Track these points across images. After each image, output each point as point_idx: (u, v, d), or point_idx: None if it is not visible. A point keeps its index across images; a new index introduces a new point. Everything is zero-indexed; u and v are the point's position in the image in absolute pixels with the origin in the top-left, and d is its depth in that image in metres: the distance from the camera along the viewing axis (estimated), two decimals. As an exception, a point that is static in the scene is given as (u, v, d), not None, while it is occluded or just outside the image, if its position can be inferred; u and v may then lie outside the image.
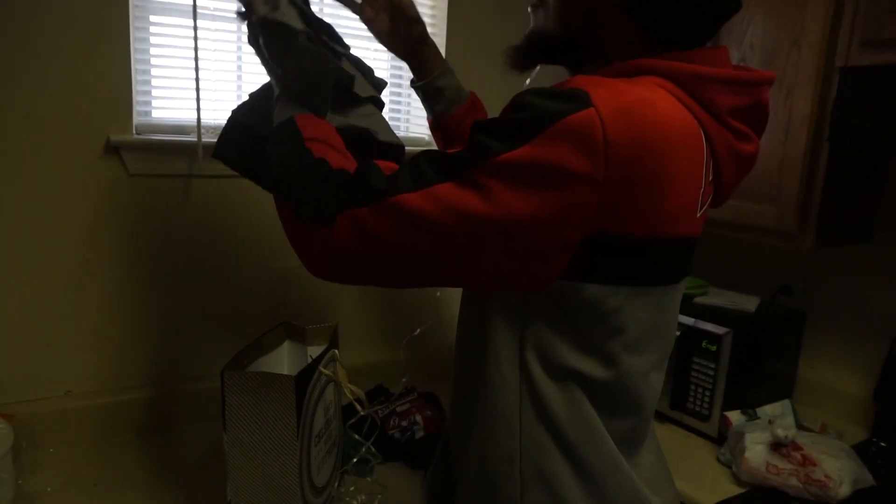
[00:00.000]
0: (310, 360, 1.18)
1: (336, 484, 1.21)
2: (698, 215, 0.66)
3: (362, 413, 1.09)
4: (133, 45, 1.26)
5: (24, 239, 1.22)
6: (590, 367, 0.65)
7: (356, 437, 1.31)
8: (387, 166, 0.64)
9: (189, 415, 1.39)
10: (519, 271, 0.61)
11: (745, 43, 1.39)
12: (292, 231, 0.67)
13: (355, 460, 1.26)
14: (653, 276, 0.65)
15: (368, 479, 1.26)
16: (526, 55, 0.75)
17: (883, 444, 1.40)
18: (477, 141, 0.59)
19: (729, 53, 0.69)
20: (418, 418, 1.40)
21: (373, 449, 1.30)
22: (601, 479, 0.67)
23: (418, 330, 1.42)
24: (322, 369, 1.09)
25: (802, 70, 1.29)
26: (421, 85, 1.04)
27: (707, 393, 1.42)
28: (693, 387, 1.44)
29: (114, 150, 1.26)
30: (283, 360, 1.28)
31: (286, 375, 0.99)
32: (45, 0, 1.16)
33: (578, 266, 0.60)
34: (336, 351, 1.16)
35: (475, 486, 0.71)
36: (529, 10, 0.75)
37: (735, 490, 1.23)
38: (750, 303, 1.53)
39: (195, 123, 1.29)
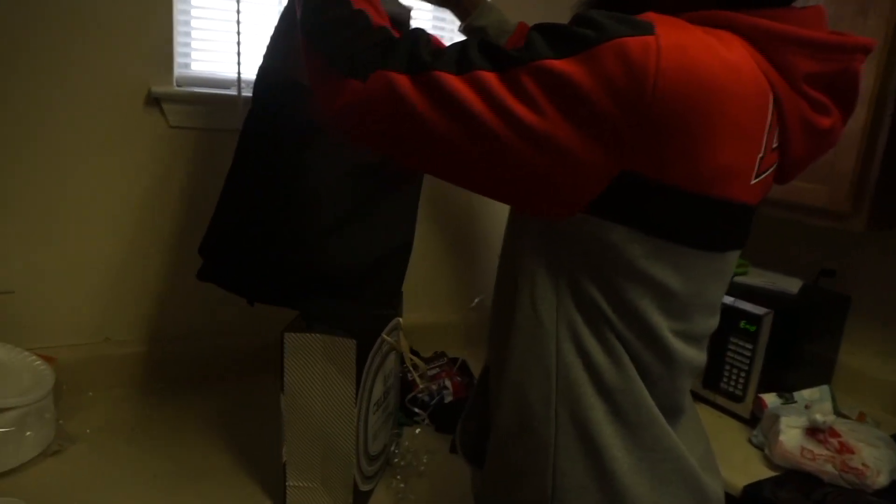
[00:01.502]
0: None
1: (392, 450, 1.21)
2: (753, 181, 0.62)
3: (420, 386, 1.08)
4: (176, -3, 1.26)
5: (66, 188, 1.24)
6: (619, 318, 0.63)
7: (415, 409, 1.33)
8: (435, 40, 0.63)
9: (230, 369, 1.42)
10: (542, 187, 0.59)
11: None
12: (320, 78, 0.66)
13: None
14: (688, 236, 0.61)
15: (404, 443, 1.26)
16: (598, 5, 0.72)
17: (923, 435, 1.36)
18: (529, 41, 0.57)
19: (825, 15, 0.63)
20: (447, 383, 1.40)
21: (404, 417, 1.30)
22: (637, 428, 0.66)
23: (476, 300, 1.40)
24: (385, 336, 1.07)
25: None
26: (462, 28, 1.04)
27: (742, 374, 1.38)
28: (728, 367, 1.41)
29: (155, 101, 1.26)
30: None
31: (348, 340, 0.97)
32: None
33: (609, 203, 0.58)
34: (400, 319, 1.14)
35: (509, 428, 0.70)
36: None
37: (767, 473, 1.21)
38: (792, 284, 1.49)
39: (235, 77, 1.28)
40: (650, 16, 0.56)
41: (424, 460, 1.20)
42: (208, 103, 1.31)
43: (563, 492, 0.66)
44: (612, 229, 0.60)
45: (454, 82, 0.57)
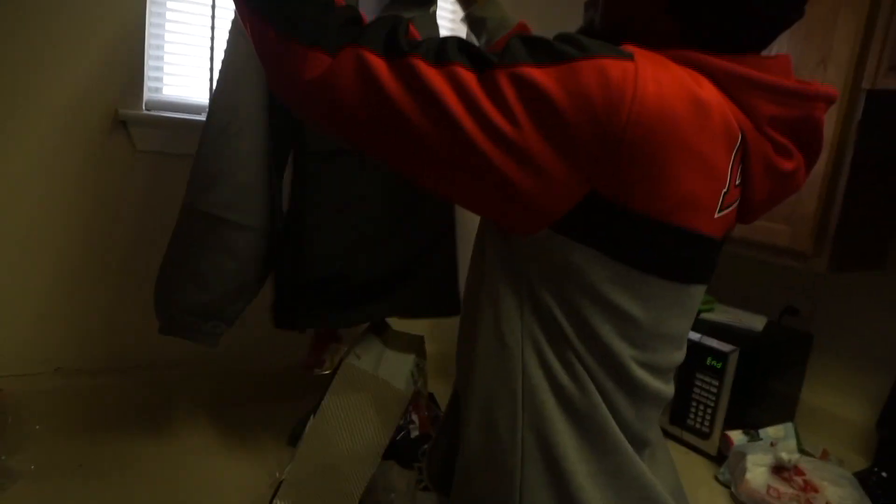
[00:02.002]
0: (410, 371, 1.15)
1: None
2: (716, 215, 0.63)
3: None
4: (148, 20, 1.24)
5: (23, 210, 1.19)
6: (581, 342, 0.63)
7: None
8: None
9: (191, 400, 1.36)
10: (507, 196, 0.58)
11: (770, 58, 1.37)
12: (276, 51, 0.63)
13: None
14: (651, 263, 0.61)
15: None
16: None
17: (884, 474, 1.38)
18: (509, 46, 0.57)
19: (790, 63, 0.66)
20: (414, 417, 1.37)
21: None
22: (603, 456, 0.65)
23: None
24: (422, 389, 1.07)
25: (828, 89, 1.27)
26: (464, 16, 1.05)
27: (709, 410, 1.39)
28: (695, 403, 1.42)
29: (121, 124, 1.23)
30: (379, 363, 1.22)
31: (403, 392, 0.96)
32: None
33: (575, 222, 0.58)
34: (426, 365, 1.15)
35: (476, 454, 0.69)
36: (583, 9, 0.74)
37: (733, 511, 1.21)
38: (757, 322, 1.51)
39: (206, 103, 1.26)
40: (628, 47, 0.57)
41: (391, 497, 1.16)
42: (178, 128, 1.28)
43: None
44: (577, 249, 0.60)
45: (431, 73, 0.56)
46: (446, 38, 0.59)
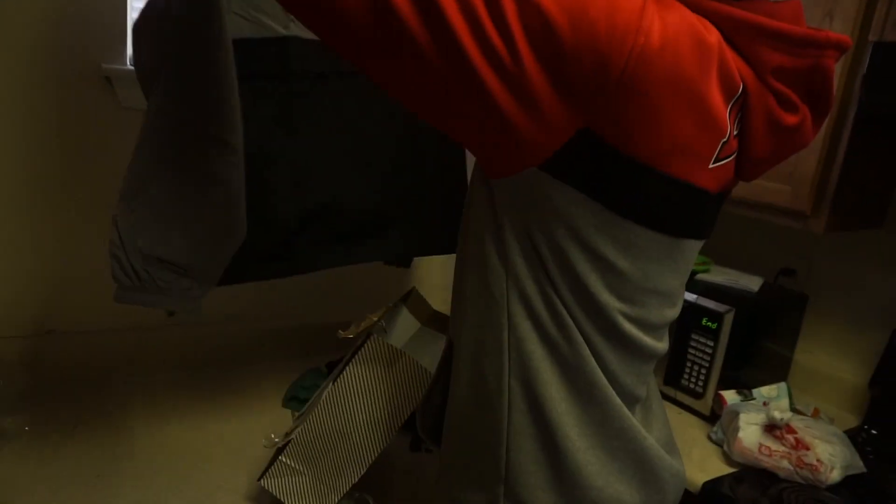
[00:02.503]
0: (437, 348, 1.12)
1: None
2: (712, 166, 0.60)
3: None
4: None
5: (2, 169, 1.16)
6: (569, 291, 0.61)
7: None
8: None
9: (186, 359, 1.36)
10: (497, 124, 0.55)
11: (774, 11, 1.33)
12: None
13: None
14: (638, 211, 0.59)
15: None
16: None
17: (874, 431, 1.39)
18: None
19: (801, 10, 0.62)
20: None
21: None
22: (590, 406, 0.64)
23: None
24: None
25: (833, 43, 1.23)
26: None
27: (703, 371, 1.40)
28: (689, 364, 1.42)
29: (105, 80, 1.19)
30: (406, 338, 1.18)
31: (428, 370, 0.94)
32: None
33: (563, 162, 0.56)
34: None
35: (465, 403, 0.69)
36: None
37: (725, 469, 1.22)
38: (753, 283, 1.51)
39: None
40: None
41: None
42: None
43: (516, 468, 0.65)
44: (563, 190, 0.58)
45: None
46: None
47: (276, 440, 1.02)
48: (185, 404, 1.25)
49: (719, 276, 1.53)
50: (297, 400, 1.23)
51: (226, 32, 0.86)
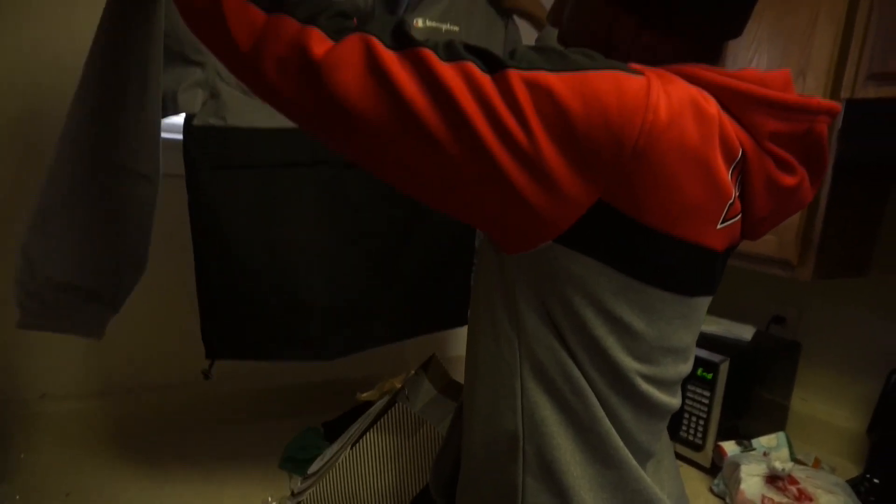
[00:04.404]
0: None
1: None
2: (719, 226, 0.63)
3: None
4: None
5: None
6: (585, 355, 0.63)
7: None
8: None
9: (182, 424, 1.34)
10: (513, 205, 0.56)
11: (751, 68, 1.39)
12: (262, 27, 0.58)
13: None
14: (654, 275, 0.61)
15: None
16: None
17: (876, 480, 1.38)
18: (521, 53, 0.56)
19: (790, 79, 0.66)
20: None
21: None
22: (605, 469, 0.64)
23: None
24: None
25: (808, 100, 1.29)
26: (535, 41, 1.12)
27: (701, 422, 1.39)
28: (687, 415, 1.42)
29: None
30: (427, 406, 1.18)
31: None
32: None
33: (580, 234, 0.58)
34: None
35: (478, 464, 0.69)
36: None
37: (729, 523, 1.20)
38: (745, 331, 1.52)
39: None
40: (634, 66, 0.58)
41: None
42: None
43: None
44: (579, 260, 0.59)
45: (443, 67, 0.54)
46: (453, 41, 0.57)
47: (273, 503, 1.00)
48: (177, 469, 1.23)
49: (712, 325, 1.54)
50: (293, 461, 1.21)
51: (144, 52, 0.85)
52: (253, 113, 0.95)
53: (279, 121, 0.97)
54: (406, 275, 1.18)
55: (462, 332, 1.63)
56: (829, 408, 1.55)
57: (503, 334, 0.65)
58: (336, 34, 0.57)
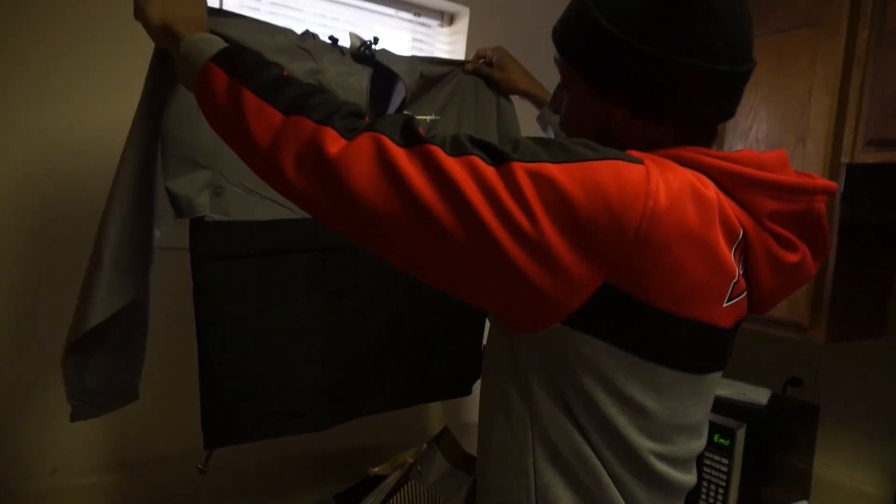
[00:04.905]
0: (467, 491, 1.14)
1: None
2: (725, 305, 0.64)
3: None
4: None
5: (10, 304, 1.20)
6: (598, 436, 0.63)
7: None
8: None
9: (171, 498, 1.33)
10: (520, 289, 0.57)
11: (750, 138, 1.42)
12: (280, 126, 0.62)
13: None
14: (663, 355, 0.62)
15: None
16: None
17: (907, 551, 1.33)
18: (523, 145, 0.58)
19: (786, 159, 0.68)
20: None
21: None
22: None
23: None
24: None
25: (809, 166, 1.31)
26: (538, 116, 1.18)
27: (721, 491, 1.36)
28: (706, 484, 1.38)
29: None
30: (440, 481, 1.20)
31: None
32: (67, 50, 1.19)
33: (588, 316, 0.59)
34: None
35: None
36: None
37: None
38: (761, 395, 1.50)
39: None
40: (633, 153, 0.60)
41: None
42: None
43: None
44: (588, 342, 0.60)
45: (450, 161, 0.56)
46: (458, 135, 0.60)
47: None
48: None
49: (727, 389, 1.52)
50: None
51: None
52: (253, 208, 1.03)
53: (275, 213, 1.05)
54: (403, 351, 1.21)
55: (475, 397, 1.62)
56: (854, 473, 1.50)
57: (515, 415, 0.66)
58: (349, 133, 0.61)
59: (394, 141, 0.59)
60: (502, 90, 1.24)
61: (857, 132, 1.27)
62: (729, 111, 0.70)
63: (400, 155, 0.58)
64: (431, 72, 1.17)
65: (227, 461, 1.35)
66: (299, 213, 1.08)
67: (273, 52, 0.95)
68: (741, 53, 0.66)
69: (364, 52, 1.08)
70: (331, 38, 1.09)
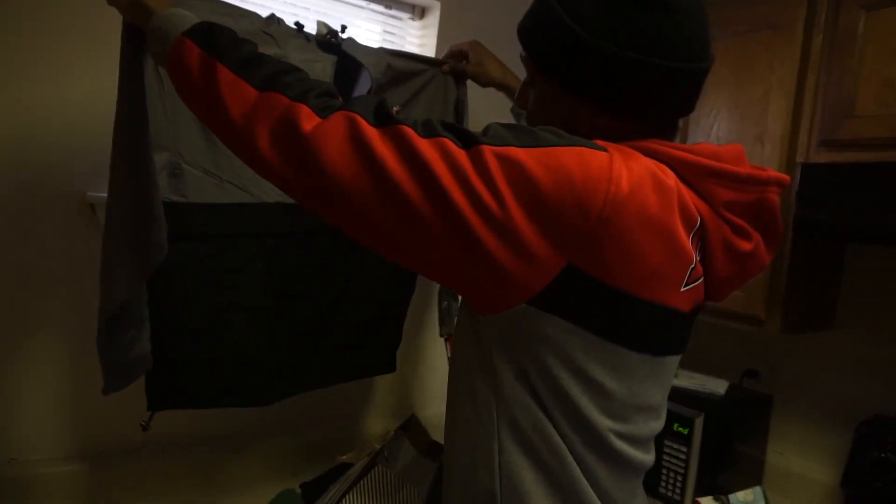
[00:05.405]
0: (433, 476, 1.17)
1: None
2: (683, 289, 0.67)
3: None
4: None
5: (-15, 295, 1.17)
6: (561, 415, 0.65)
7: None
8: None
9: (134, 489, 1.31)
10: (488, 269, 0.60)
11: (711, 136, 1.47)
12: (255, 102, 0.63)
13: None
14: (624, 335, 0.65)
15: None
16: None
17: (852, 534, 1.39)
18: (492, 130, 0.60)
19: (742, 152, 0.71)
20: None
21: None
22: None
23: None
24: None
25: (766, 164, 1.35)
26: (512, 108, 1.21)
27: (679, 477, 1.40)
28: (665, 471, 1.43)
29: (90, 207, 1.24)
30: (407, 468, 1.22)
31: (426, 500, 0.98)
32: (44, 59, 1.17)
33: (551, 296, 0.61)
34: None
35: None
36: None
37: (709, 581, 1.20)
38: (719, 386, 1.55)
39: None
40: (598, 142, 0.63)
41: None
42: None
43: None
44: (552, 322, 0.62)
45: (422, 142, 0.58)
46: (430, 119, 0.62)
47: None
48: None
49: (686, 380, 1.57)
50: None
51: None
52: (211, 190, 1.06)
53: (234, 197, 1.07)
54: (336, 333, 1.28)
55: (442, 390, 1.64)
56: (803, 461, 1.57)
57: (481, 396, 0.68)
58: (323, 111, 0.62)
59: (367, 120, 0.60)
60: (480, 83, 1.26)
61: (811, 133, 1.32)
62: (689, 106, 0.73)
63: (373, 134, 0.59)
64: (401, 66, 1.19)
65: (197, 454, 1.35)
66: (257, 198, 1.11)
67: (257, 37, 0.96)
68: (699, 51, 0.69)
69: (330, 40, 1.09)
70: (296, 24, 1.09)
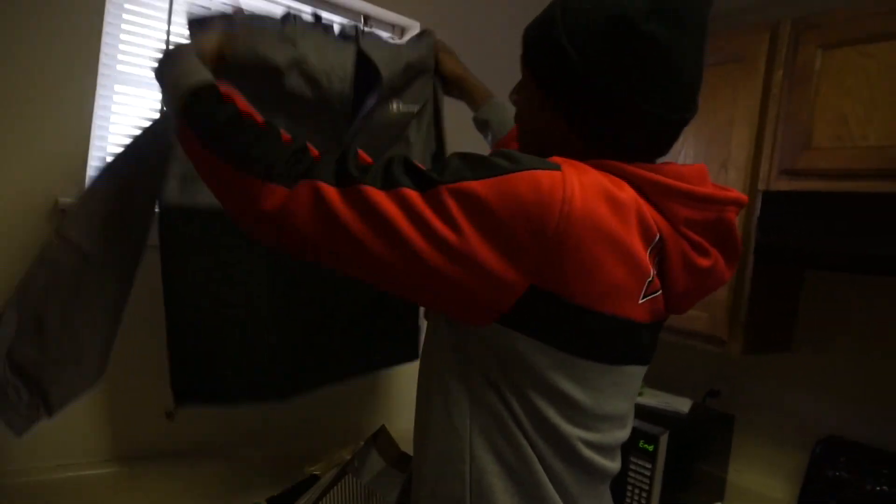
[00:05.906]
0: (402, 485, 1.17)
1: None
2: (641, 301, 0.69)
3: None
4: (96, 112, 1.26)
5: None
6: (531, 426, 0.68)
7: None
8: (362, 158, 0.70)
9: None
10: (458, 296, 0.64)
11: (679, 159, 1.53)
12: (229, 181, 0.72)
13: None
14: (586, 348, 0.67)
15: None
16: None
17: (808, 551, 1.43)
18: (448, 164, 0.64)
19: (705, 172, 0.73)
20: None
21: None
22: None
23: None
24: None
25: (730, 190, 1.42)
26: (473, 118, 1.19)
27: (644, 494, 1.43)
28: (630, 487, 1.45)
29: (62, 213, 1.22)
30: (376, 477, 1.23)
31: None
32: (15, 61, 1.15)
33: (519, 315, 0.64)
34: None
35: None
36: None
37: None
38: (683, 404, 1.59)
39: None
40: (556, 159, 0.65)
41: None
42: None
43: None
44: (521, 340, 0.65)
45: (380, 197, 0.63)
46: (392, 159, 0.66)
47: None
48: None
49: (652, 398, 1.61)
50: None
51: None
52: None
53: None
54: (357, 322, 1.30)
55: (411, 406, 1.64)
56: (763, 479, 1.61)
57: (454, 402, 0.70)
58: (291, 181, 0.68)
59: (329, 184, 0.66)
60: (441, 74, 1.25)
61: (772, 161, 1.39)
62: (662, 150, 0.74)
63: (334, 198, 0.65)
64: (416, 59, 1.17)
65: (161, 467, 1.32)
66: None
67: (274, 43, 1.00)
68: (685, 101, 0.70)
69: (349, 36, 1.09)
70: (314, 15, 1.08)
